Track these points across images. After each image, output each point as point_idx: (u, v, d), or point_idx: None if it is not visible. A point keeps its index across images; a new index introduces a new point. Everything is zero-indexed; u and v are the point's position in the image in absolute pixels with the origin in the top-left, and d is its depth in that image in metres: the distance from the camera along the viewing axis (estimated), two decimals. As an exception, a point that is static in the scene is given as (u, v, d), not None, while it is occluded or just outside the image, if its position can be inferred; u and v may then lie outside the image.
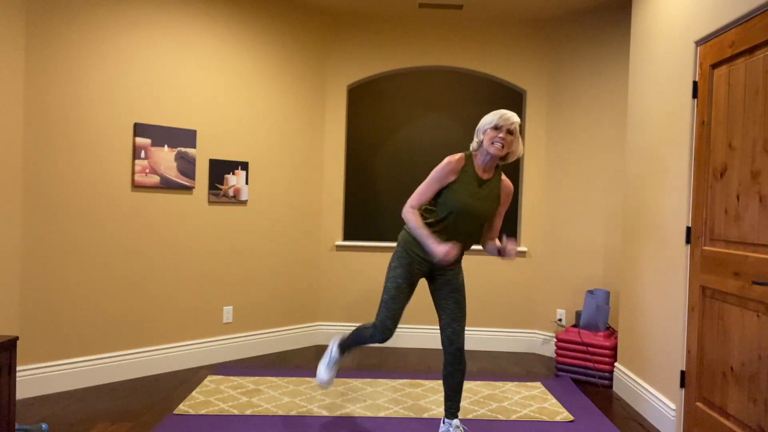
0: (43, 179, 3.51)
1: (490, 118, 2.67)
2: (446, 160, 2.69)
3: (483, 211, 2.72)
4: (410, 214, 2.72)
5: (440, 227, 2.72)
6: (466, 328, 5.02)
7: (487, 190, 2.74)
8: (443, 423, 2.91)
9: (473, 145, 2.74)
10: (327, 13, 4.94)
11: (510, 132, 2.65)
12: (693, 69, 3.00)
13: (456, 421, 2.87)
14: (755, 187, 2.47)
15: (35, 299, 3.50)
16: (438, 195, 2.73)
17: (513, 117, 2.65)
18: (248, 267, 4.51)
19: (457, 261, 2.86)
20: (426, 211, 2.77)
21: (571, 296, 4.79)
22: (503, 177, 2.82)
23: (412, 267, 2.77)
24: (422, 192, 2.72)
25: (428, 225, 2.73)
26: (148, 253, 3.95)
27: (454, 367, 2.80)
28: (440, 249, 2.57)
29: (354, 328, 3.02)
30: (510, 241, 2.70)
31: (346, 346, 3.03)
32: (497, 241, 2.86)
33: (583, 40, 4.74)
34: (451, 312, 2.79)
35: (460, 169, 2.70)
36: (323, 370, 3.06)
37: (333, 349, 3.06)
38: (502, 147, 2.63)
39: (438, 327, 5.02)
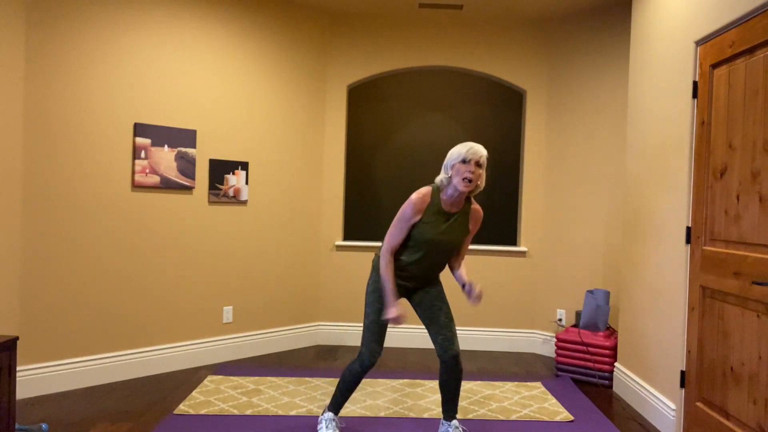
0: (43, 179, 3.51)
1: (457, 152, 2.65)
2: (410, 199, 2.69)
3: (450, 244, 2.75)
4: (384, 261, 2.74)
5: (411, 260, 2.77)
6: (466, 328, 5.02)
7: (455, 224, 2.75)
8: (441, 425, 2.91)
9: (441, 178, 2.72)
10: (327, 13, 4.94)
11: (478, 165, 2.64)
12: (693, 69, 3.00)
13: (454, 422, 2.87)
14: (755, 187, 2.47)
15: (35, 299, 3.50)
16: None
17: (481, 150, 2.64)
18: (248, 267, 4.51)
19: (435, 280, 2.89)
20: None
21: (571, 296, 4.79)
22: (474, 206, 2.81)
23: None
24: (394, 235, 2.74)
25: (401, 258, 2.78)
26: (148, 253, 3.95)
27: (450, 375, 2.80)
28: (392, 312, 2.67)
29: (338, 383, 2.97)
30: (475, 287, 2.71)
31: (336, 402, 2.91)
32: (464, 275, 2.84)
33: (583, 40, 4.74)
34: (437, 320, 2.80)
35: (424, 208, 2.71)
36: None
37: (325, 418, 2.92)
38: (471, 182, 2.63)
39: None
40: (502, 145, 6.14)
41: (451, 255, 2.81)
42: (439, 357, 2.80)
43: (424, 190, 2.71)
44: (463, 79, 6.20)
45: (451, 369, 2.78)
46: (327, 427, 2.88)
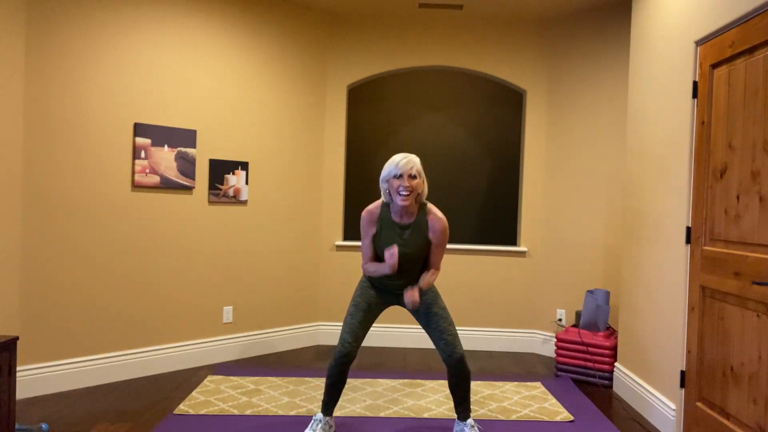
0: (43, 179, 3.51)
1: (388, 169, 2.68)
2: (363, 214, 2.80)
3: (411, 257, 2.77)
4: (368, 266, 2.84)
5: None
6: (466, 328, 5.02)
7: (411, 235, 2.76)
8: (456, 424, 2.92)
9: (383, 195, 2.78)
10: (327, 13, 4.94)
11: (412, 176, 2.65)
12: (693, 69, 3.00)
13: (470, 421, 2.88)
14: (755, 187, 2.47)
15: (35, 299, 3.50)
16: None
17: (410, 162, 2.65)
18: (248, 267, 4.51)
19: (414, 282, 2.90)
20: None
21: (571, 296, 4.79)
22: (432, 216, 2.77)
23: (370, 291, 2.89)
24: (363, 250, 2.87)
25: None
26: (148, 253, 3.95)
27: (458, 378, 2.80)
28: (388, 261, 2.66)
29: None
30: (412, 290, 2.68)
31: (324, 402, 2.89)
32: (420, 279, 2.83)
33: (583, 40, 4.74)
34: (436, 325, 2.80)
35: (376, 219, 2.78)
36: None
37: (314, 418, 2.89)
38: (409, 195, 2.65)
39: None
40: (502, 145, 6.14)
41: (419, 266, 2.84)
42: (445, 362, 2.80)
43: (373, 205, 2.81)
44: (463, 79, 6.20)
45: (458, 372, 2.78)
46: (310, 427, 2.87)
